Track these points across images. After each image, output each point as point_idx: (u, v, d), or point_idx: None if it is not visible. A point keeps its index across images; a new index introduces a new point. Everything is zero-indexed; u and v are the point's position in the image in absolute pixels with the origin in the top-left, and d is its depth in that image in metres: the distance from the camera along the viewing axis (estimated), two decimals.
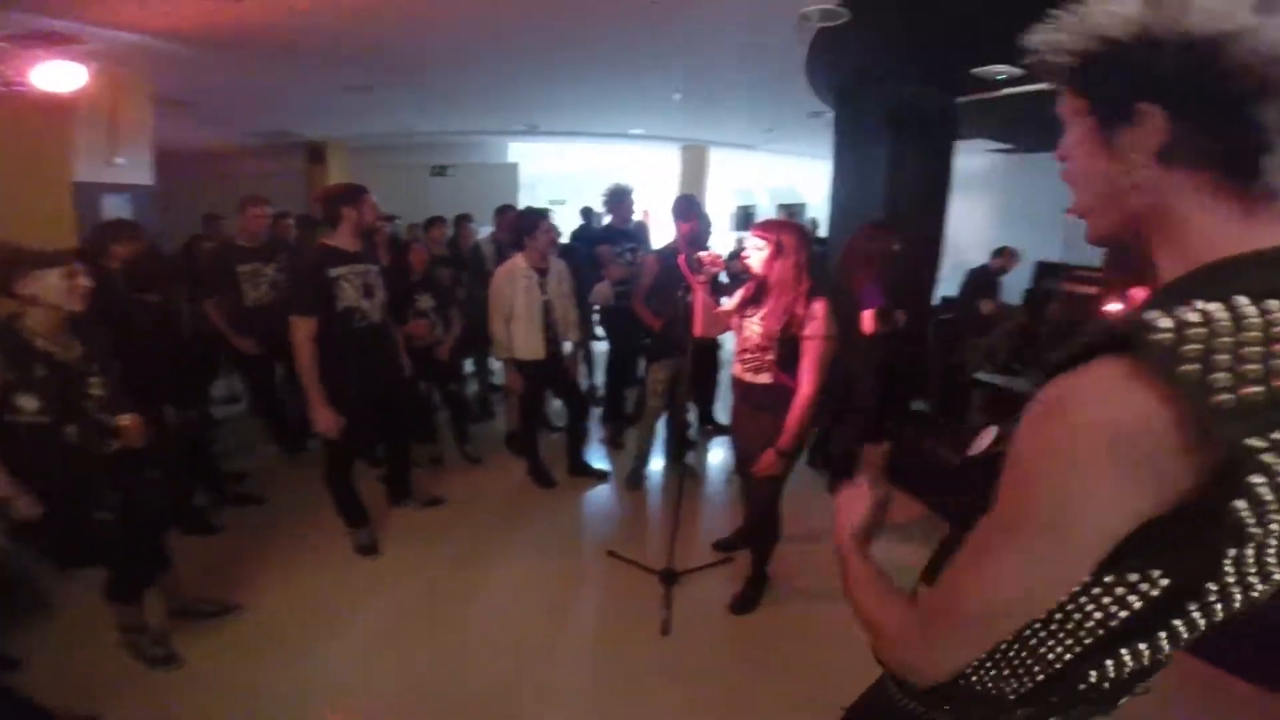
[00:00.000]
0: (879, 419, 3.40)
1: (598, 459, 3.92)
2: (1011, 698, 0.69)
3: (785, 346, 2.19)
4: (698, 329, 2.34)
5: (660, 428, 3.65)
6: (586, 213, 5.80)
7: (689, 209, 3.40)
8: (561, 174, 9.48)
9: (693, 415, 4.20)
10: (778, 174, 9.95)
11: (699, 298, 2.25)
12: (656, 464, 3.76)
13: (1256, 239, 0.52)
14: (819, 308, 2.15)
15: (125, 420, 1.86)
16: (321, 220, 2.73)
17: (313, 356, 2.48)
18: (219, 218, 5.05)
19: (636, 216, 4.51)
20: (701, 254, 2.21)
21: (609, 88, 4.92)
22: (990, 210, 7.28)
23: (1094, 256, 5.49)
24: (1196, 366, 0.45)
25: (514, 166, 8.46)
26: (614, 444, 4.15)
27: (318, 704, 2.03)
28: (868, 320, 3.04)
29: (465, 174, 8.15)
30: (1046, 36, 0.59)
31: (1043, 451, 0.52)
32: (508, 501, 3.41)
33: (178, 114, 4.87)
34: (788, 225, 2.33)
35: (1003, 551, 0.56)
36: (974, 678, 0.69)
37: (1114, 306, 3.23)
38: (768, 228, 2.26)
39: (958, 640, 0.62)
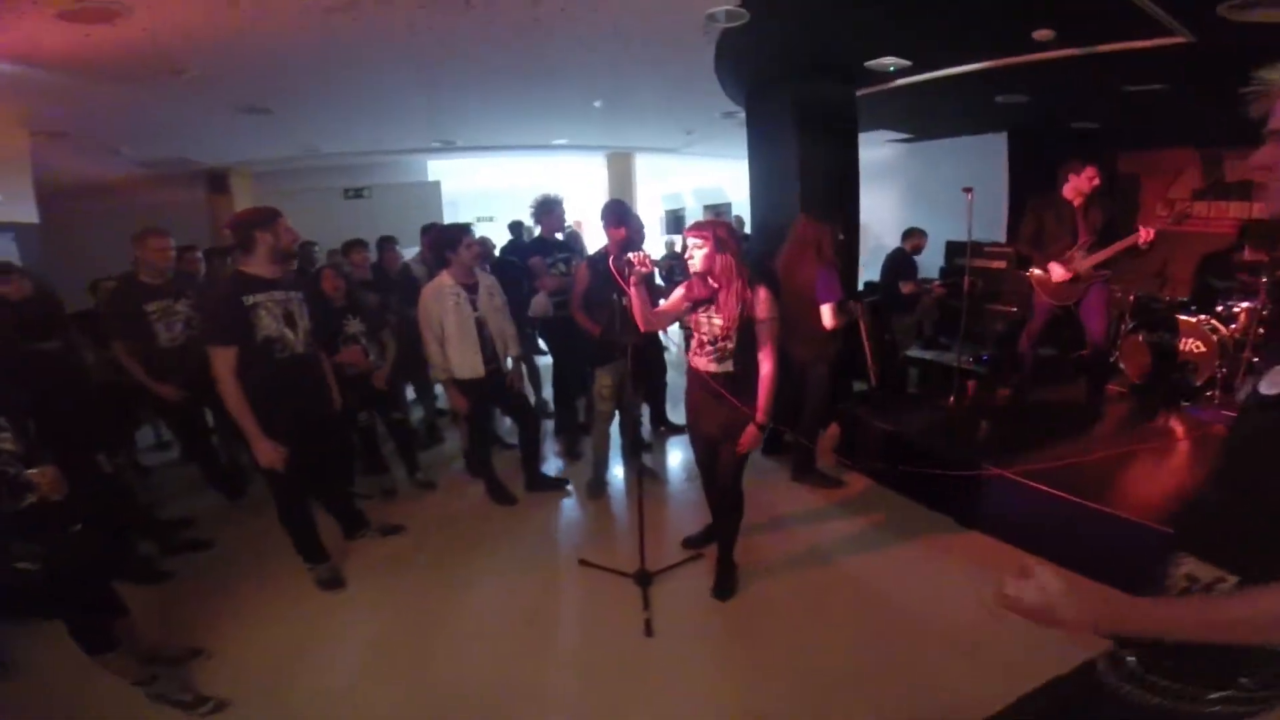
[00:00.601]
0: (831, 406, 3.54)
1: (555, 471, 3.88)
2: None
3: (742, 333, 2.34)
4: (640, 326, 2.40)
5: (614, 432, 3.66)
6: (516, 227, 5.74)
7: (620, 214, 3.38)
8: (488, 190, 9.34)
9: (645, 418, 4.23)
10: (703, 176, 10.22)
11: (634, 299, 2.29)
12: (616, 469, 3.76)
13: None
14: (764, 293, 2.33)
15: (38, 473, 1.75)
16: (234, 248, 2.58)
17: (239, 388, 2.33)
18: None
19: (568, 226, 4.49)
20: (630, 255, 2.25)
21: (526, 98, 4.88)
22: (896, 197, 7.77)
23: (995, 233, 6.04)
24: None
25: (436, 185, 8.25)
26: (570, 455, 4.12)
27: None
28: (829, 315, 3.10)
29: (384, 195, 7.87)
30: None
31: None
32: (470, 523, 3.32)
33: (58, 146, 4.45)
34: (719, 222, 2.46)
35: None
36: None
37: (1057, 270, 3.48)
38: (702, 227, 2.38)
39: None
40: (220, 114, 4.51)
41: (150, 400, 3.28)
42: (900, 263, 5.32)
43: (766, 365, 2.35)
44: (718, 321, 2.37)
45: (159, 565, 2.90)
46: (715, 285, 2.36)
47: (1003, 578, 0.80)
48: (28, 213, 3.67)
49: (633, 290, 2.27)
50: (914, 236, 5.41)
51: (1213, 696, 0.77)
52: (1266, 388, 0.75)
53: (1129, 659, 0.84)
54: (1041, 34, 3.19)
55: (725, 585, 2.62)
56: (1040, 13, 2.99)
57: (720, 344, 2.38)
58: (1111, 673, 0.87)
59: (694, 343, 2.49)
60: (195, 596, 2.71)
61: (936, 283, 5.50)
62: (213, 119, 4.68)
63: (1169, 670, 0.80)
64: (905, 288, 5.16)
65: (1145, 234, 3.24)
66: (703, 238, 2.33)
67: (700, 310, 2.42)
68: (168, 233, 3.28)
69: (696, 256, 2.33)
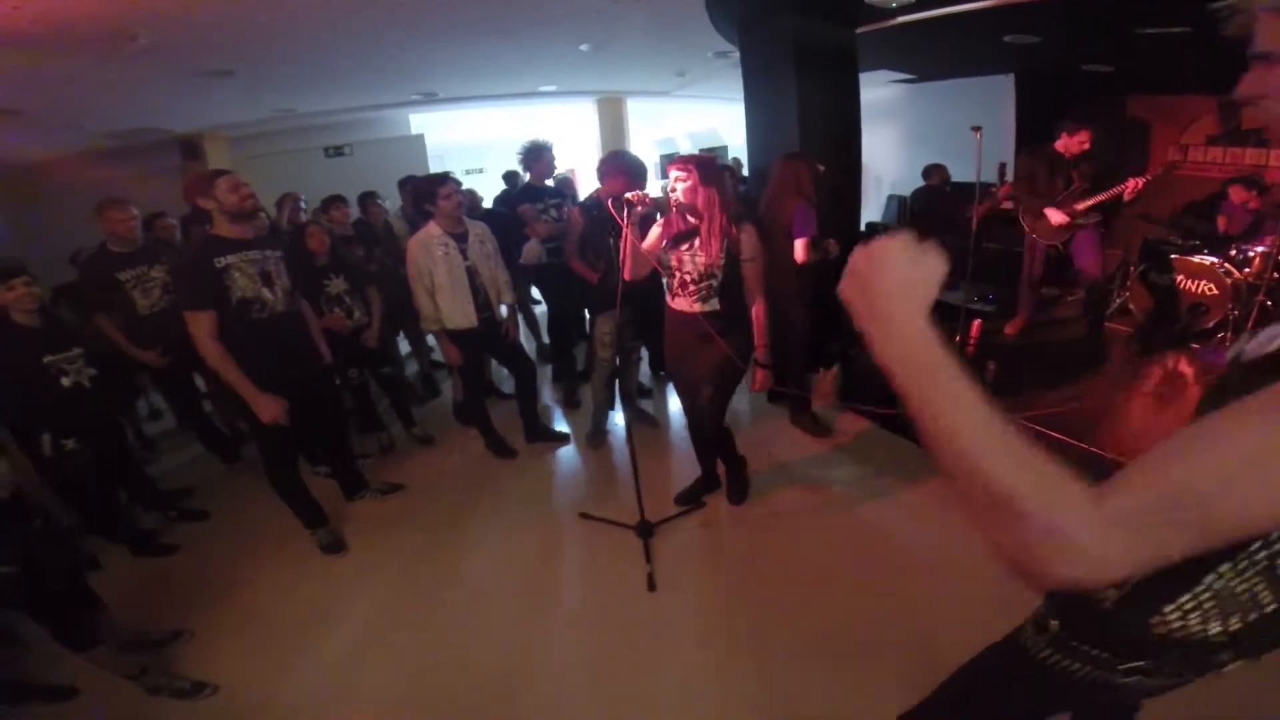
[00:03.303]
0: (820, 345, 3.50)
1: (554, 421, 3.84)
2: (1218, 639, 0.67)
3: (727, 271, 2.28)
4: (626, 273, 2.33)
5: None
6: (510, 177, 5.55)
7: (616, 165, 3.03)
8: (476, 142, 9.02)
9: (645, 362, 4.18)
10: (697, 120, 9.92)
11: (628, 240, 2.23)
12: (617, 418, 3.73)
13: None
14: (750, 230, 2.29)
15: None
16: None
17: (222, 350, 2.28)
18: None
19: (562, 174, 4.33)
20: (628, 194, 2.16)
21: (508, 44, 4.62)
22: (898, 138, 7.52)
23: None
24: None
25: (419, 138, 7.98)
26: (569, 404, 4.08)
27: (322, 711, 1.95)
28: (800, 249, 3.06)
29: (366, 151, 7.63)
30: None
31: None
32: (470, 478, 3.30)
33: (11, 125, 4.23)
34: (701, 157, 2.38)
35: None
36: (1177, 622, 0.67)
37: (1055, 215, 3.55)
38: (686, 160, 2.30)
39: (1153, 534, 0.50)
40: (182, 80, 4.28)
41: (140, 368, 3.26)
42: (937, 199, 5.11)
43: (759, 305, 2.32)
44: (700, 258, 2.30)
45: (162, 538, 2.90)
46: (696, 221, 2.28)
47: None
48: None
49: (628, 231, 2.19)
50: (938, 171, 5.22)
51: (1124, 667, 0.76)
52: (1256, 349, 0.67)
53: (1052, 623, 0.83)
54: None
55: (738, 489, 2.77)
56: None
57: (704, 282, 2.32)
58: (1036, 638, 0.86)
59: (674, 283, 2.41)
60: (193, 570, 2.70)
61: (998, 188, 4.96)
62: (176, 85, 4.45)
63: (1089, 637, 0.79)
64: (979, 211, 4.79)
65: (1133, 184, 3.35)
66: (686, 170, 2.25)
67: (682, 247, 2.34)
68: (127, 202, 3.18)
69: (679, 189, 2.25)
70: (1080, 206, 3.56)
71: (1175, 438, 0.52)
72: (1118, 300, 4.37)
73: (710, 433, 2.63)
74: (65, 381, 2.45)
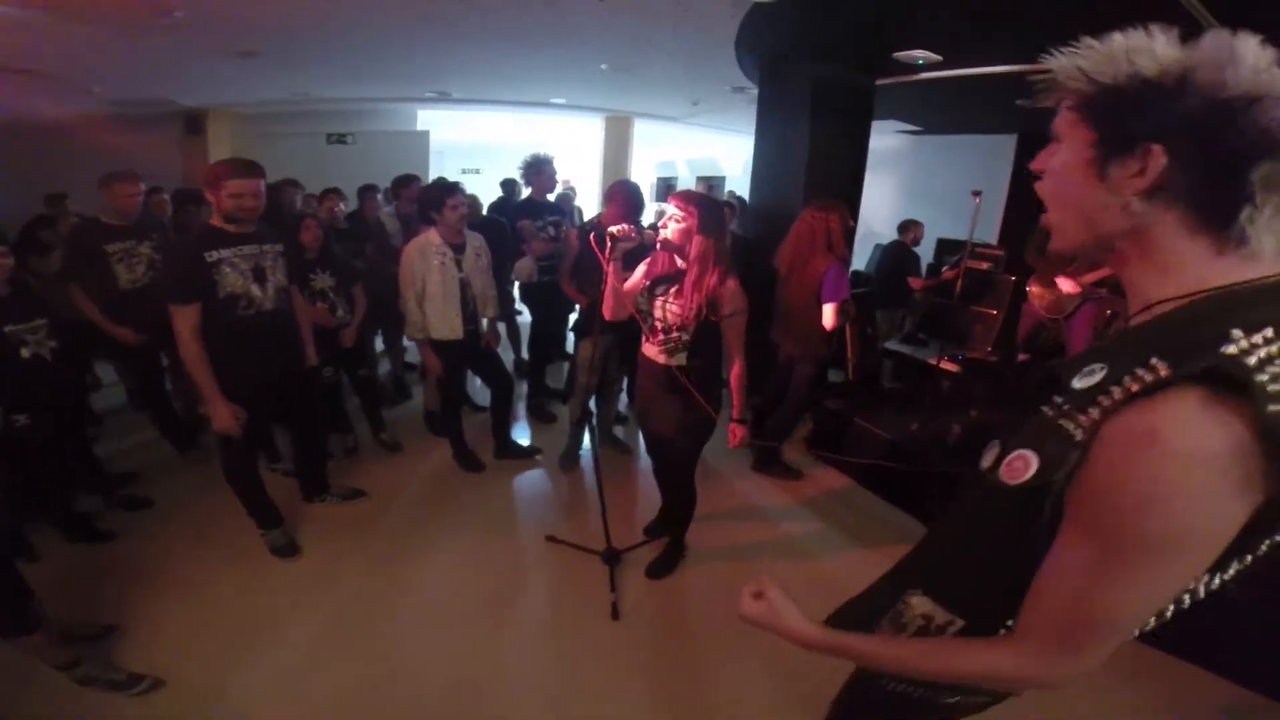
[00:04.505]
0: (808, 399, 3.52)
1: (525, 437, 3.82)
2: None
3: (703, 329, 2.11)
4: (607, 313, 2.20)
5: (591, 405, 3.61)
6: (508, 185, 5.56)
7: (619, 194, 2.99)
8: (476, 143, 9.03)
9: (625, 391, 4.19)
10: (699, 147, 10.01)
11: (610, 279, 2.09)
12: (589, 442, 3.72)
13: (1232, 273, 0.58)
14: (732, 285, 2.09)
15: None
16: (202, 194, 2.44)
17: (200, 348, 2.23)
18: (63, 196, 4.42)
19: (564, 190, 4.34)
20: (612, 228, 2.03)
21: (531, 56, 4.67)
22: (894, 188, 7.68)
23: (989, 235, 6.00)
24: (1276, 389, 0.50)
25: (424, 135, 7.96)
26: (539, 416, 4.06)
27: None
28: (830, 315, 2.95)
29: (369, 142, 7.59)
30: (1069, 60, 0.62)
31: (1151, 481, 0.54)
32: (434, 489, 3.25)
33: (20, 83, 4.17)
34: (709, 201, 2.17)
35: (1131, 574, 0.58)
36: None
37: (1066, 284, 3.49)
38: (689, 200, 2.10)
39: (1104, 644, 0.64)
40: (205, 56, 4.26)
41: (105, 342, 3.14)
42: (903, 257, 5.18)
43: (738, 360, 2.19)
44: (673, 308, 2.13)
45: (100, 523, 2.73)
46: (683, 267, 2.10)
47: (740, 594, 0.90)
48: None
49: (610, 269, 2.07)
50: (912, 228, 5.29)
51: (948, 692, 0.86)
52: (984, 459, 0.77)
53: None
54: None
55: (663, 565, 2.60)
56: (1103, 20, 2.87)
57: (673, 334, 2.15)
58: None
59: (647, 326, 2.23)
60: (136, 560, 2.56)
61: (947, 268, 5.16)
62: (197, 61, 4.43)
63: None
64: (916, 284, 4.98)
65: None
66: (687, 212, 2.06)
67: (658, 290, 2.17)
68: (138, 177, 3.13)
69: (671, 228, 2.07)
70: (1090, 277, 3.41)
71: (1048, 572, 0.65)
72: None
73: (674, 490, 2.55)
74: (24, 353, 2.36)
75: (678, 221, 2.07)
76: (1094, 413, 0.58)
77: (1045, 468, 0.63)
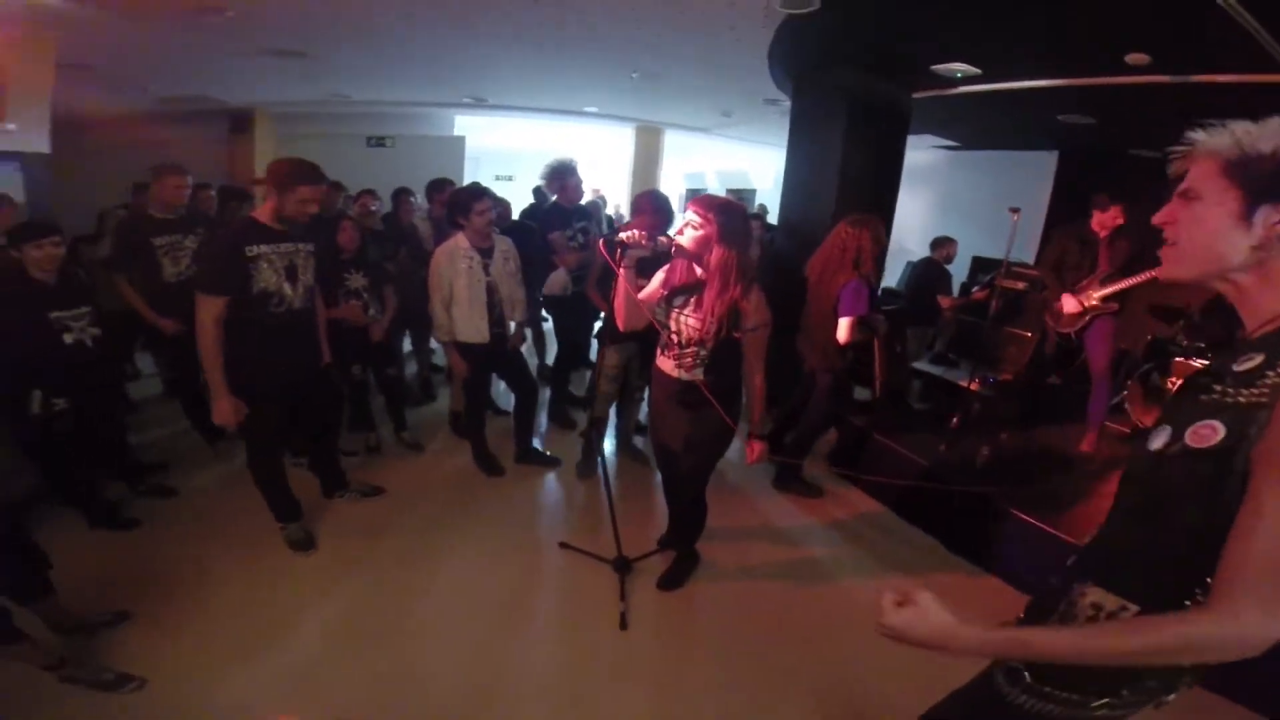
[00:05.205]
0: (830, 414, 3.46)
1: (545, 443, 3.84)
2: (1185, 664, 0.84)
3: (721, 344, 2.02)
4: (620, 323, 2.09)
5: (612, 413, 3.60)
6: (540, 192, 5.63)
7: (648, 205, 3.00)
8: (511, 149, 9.18)
9: (646, 401, 4.18)
10: (730, 159, 10.00)
11: (621, 287, 1.98)
12: (608, 450, 3.71)
13: None
14: (756, 297, 1.99)
15: None
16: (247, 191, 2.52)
17: (217, 340, 2.25)
18: (146, 186, 4.61)
19: (594, 198, 4.34)
20: (622, 235, 1.94)
21: (565, 64, 4.74)
22: (928, 203, 7.54)
23: (1027, 254, 5.85)
24: None
25: (460, 140, 8.13)
26: (561, 423, 4.06)
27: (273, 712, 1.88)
28: (845, 329, 2.94)
29: (407, 145, 7.78)
30: (1224, 135, 0.80)
31: None
32: (453, 491, 3.28)
33: (82, 78, 4.39)
34: (730, 207, 2.01)
35: None
36: None
37: (1069, 303, 3.39)
38: (708, 206, 1.96)
39: None
40: (250, 56, 4.43)
41: (145, 332, 3.25)
42: (933, 275, 5.06)
43: (759, 376, 2.10)
44: (691, 321, 2.02)
45: (126, 511, 2.78)
46: (702, 277, 1.99)
47: (883, 604, 0.88)
48: (39, 143, 3.61)
49: (622, 275, 1.96)
50: (945, 245, 5.17)
51: (1096, 704, 0.88)
52: (1154, 442, 0.85)
53: (1024, 671, 0.94)
54: (1135, 58, 3.01)
55: (674, 576, 2.55)
56: (1141, 35, 2.79)
57: (690, 349, 2.05)
58: (1007, 683, 0.96)
59: (664, 337, 2.13)
60: (158, 548, 2.59)
61: (977, 288, 5.09)
62: (246, 60, 4.59)
63: (1059, 681, 0.90)
64: (945, 302, 4.87)
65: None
66: (705, 219, 1.92)
67: (677, 301, 2.06)
68: (186, 171, 3.24)
69: (688, 234, 1.95)
70: (1097, 295, 3.34)
71: (1245, 528, 0.71)
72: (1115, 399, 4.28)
73: (683, 505, 2.49)
74: (67, 338, 2.46)
75: (695, 228, 1.95)
76: (1264, 384, 0.73)
77: (1232, 431, 0.75)
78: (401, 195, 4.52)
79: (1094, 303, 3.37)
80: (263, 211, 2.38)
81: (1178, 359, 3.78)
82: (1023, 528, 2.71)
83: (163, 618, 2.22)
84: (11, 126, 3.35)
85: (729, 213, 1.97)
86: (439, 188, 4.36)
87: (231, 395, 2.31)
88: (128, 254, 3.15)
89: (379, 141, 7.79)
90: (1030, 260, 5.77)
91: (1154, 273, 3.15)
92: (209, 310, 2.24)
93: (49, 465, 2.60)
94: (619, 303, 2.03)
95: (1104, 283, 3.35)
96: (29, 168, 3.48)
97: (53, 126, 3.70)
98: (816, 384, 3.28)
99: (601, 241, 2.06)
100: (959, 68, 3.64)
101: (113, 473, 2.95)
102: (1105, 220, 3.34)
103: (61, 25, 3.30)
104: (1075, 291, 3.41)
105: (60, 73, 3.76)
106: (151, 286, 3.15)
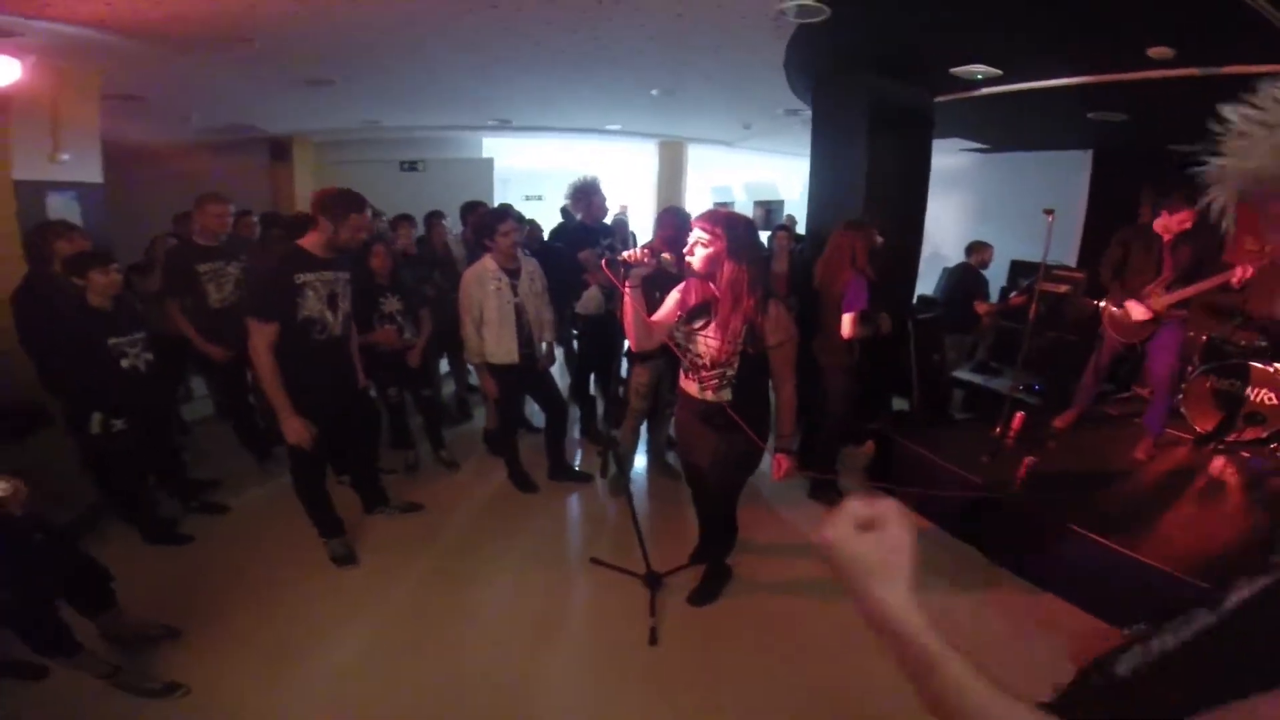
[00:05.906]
0: (856, 420, 3.41)
1: (577, 460, 3.86)
2: None
3: (745, 362, 1.98)
4: (631, 342, 2.05)
5: (643, 430, 3.60)
6: (566, 212, 5.71)
7: (669, 222, 3.01)
8: (538, 169, 9.33)
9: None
10: (757, 171, 9.98)
11: (628, 306, 1.91)
12: (640, 465, 3.70)
13: None
14: (775, 311, 1.96)
15: (4, 487, 1.68)
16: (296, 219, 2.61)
17: (273, 364, 2.33)
18: (188, 215, 4.84)
19: (620, 215, 4.34)
20: (624, 254, 1.89)
21: (584, 83, 4.81)
22: (962, 208, 7.38)
23: (1066, 255, 5.67)
24: None
25: (489, 162, 8.29)
26: (590, 438, 4.08)
27: None
28: (848, 324, 3.00)
29: (438, 169, 7.97)
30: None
31: None
32: (489, 507, 3.33)
33: (128, 109, 4.64)
34: (737, 220, 1.98)
35: None
36: None
37: (1137, 310, 3.26)
38: (714, 220, 1.93)
39: None
40: (286, 85, 4.61)
41: (195, 357, 3.40)
42: (970, 281, 4.94)
43: (788, 388, 2.08)
44: (712, 342, 1.98)
45: (180, 527, 2.93)
46: (717, 295, 1.95)
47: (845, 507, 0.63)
48: (92, 173, 3.82)
49: (628, 295, 1.90)
50: (980, 251, 5.05)
51: None
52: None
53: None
54: (1158, 51, 2.91)
55: (704, 593, 2.53)
56: (1161, 28, 2.71)
57: (715, 371, 2.01)
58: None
59: (685, 360, 2.10)
60: (201, 564, 2.71)
61: (1015, 294, 4.93)
62: (280, 90, 4.79)
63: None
64: (982, 308, 4.76)
65: (1242, 271, 2.95)
66: (712, 235, 1.89)
67: (695, 324, 2.03)
68: (227, 199, 3.39)
69: (698, 254, 1.92)
70: (1166, 300, 3.17)
71: None
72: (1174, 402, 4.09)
73: (714, 522, 2.48)
74: (124, 363, 2.59)
75: (704, 245, 1.92)
76: None
77: None
78: (433, 219, 4.63)
79: (1164, 308, 3.20)
80: (309, 240, 2.44)
81: (1254, 365, 3.61)
82: (1080, 541, 2.59)
83: (211, 628, 2.31)
84: (66, 157, 3.54)
85: (736, 226, 1.93)
86: (471, 209, 4.44)
87: (297, 415, 2.37)
88: (178, 281, 3.30)
89: (411, 165, 8.00)
90: (1071, 263, 5.60)
91: (1224, 277, 3.02)
92: (263, 336, 2.31)
93: (108, 483, 2.74)
94: (628, 322, 1.98)
95: (1170, 288, 3.18)
96: (84, 198, 3.68)
97: (103, 158, 3.91)
98: (828, 384, 3.27)
99: (605, 261, 2.04)
100: (979, 69, 3.57)
101: (168, 490, 3.09)
102: (1171, 224, 3.17)
103: (107, 58, 3.49)
104: (1141, 298, 3.24)
105: (105, 105, 3.99)
106: (199, 312, 3.29)
